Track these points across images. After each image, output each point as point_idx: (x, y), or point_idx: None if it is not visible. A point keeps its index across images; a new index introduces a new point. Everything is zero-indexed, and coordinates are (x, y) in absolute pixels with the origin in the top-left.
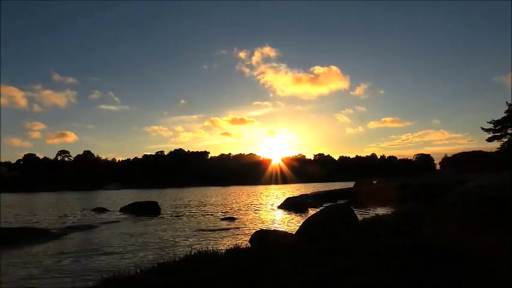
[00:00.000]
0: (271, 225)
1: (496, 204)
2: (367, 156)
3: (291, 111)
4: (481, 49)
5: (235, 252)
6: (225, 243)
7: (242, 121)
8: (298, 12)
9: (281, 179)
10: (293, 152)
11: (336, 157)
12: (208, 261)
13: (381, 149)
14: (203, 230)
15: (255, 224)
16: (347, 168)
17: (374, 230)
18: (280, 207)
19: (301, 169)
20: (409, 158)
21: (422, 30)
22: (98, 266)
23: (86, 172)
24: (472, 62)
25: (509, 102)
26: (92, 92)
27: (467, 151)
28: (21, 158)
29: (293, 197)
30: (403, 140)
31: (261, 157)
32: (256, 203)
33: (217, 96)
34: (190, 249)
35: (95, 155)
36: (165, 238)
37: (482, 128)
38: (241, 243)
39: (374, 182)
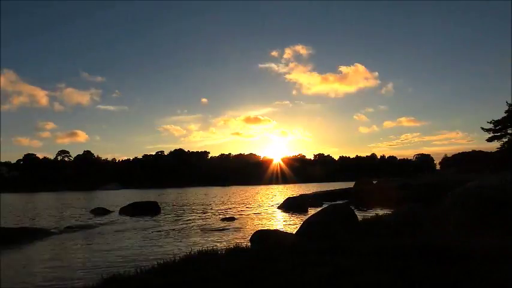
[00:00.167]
0: (271, 225)
1: (496, 205)
2: (367, 156)
3: (309, 110)
4: (481, 49)
5: (235, 252)
6: (225, 243)
7: (256, 120)
8: (326, 11)
9: (281, 179)
10: (303, 152)
11: (336, 157)
12: (208, 261)
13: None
14: (203, 230)
15: (255, 224)
16: (347, 168)
17: (374, 230)
18: (280, 207)
19: (301, 169)
20: (409, 158)
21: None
22: (98, 266)
23: (86, 172)
24: (472, 62)
25: (509, 102)
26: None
27: (467, 151)
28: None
29: (293, 197)
30: (402, 140)
31: (261, 157)
32: (256, 203)
33: (237, 95)
34: (190, 249)
35: (95, 155)
36: (165, 238)
37: (482, 128)
38: (241, 243)
39: (374, 182)
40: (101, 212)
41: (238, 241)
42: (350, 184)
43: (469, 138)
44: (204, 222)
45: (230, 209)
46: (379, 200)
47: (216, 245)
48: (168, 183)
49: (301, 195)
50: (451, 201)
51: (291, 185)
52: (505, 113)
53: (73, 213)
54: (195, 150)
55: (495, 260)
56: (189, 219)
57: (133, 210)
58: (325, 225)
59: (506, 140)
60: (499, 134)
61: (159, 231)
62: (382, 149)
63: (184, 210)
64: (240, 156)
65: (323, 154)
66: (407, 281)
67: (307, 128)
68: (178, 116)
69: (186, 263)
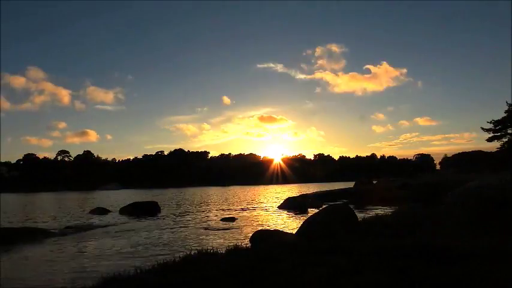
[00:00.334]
0: (271, 225)
1: (496, 205)
2: (366, 156)
3: (326, 109)
4: (481, 49)
5: (235, 252)
6: (225, 243)
7: (271, 119)
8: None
9: (281, 179)
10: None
11: (336, 157)
12: (208, 261)
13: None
14: (203, 230)
15: (255, 224)
16: (347, 168)
17: (374, 230)
18: (280, 207)
19: (301, 169)
20: (409, 158)
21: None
22: (98, 266)
23: (85, 172)
24: (472, 62)
25: (509, 102)
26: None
27: (467, 151)
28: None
29: (293, 197)
30: (401, 140)
31: (261, 157)
32: (256, 203)
33: (254, 95)
34: (190, 249)
35: (95, 155)
36: (165, 238)
37: (482, 128)
38: (241, 243)
39: (374, 182)
40: (101, 212)
41: (238, 241)
42: (350, 184)
43: (469, 138)
44: (204, 222)
45: (230, 209)
46: (379, 200)
47: (216, 245)
48: (168, 183)
49: (301, 195)
50: (451, 201)
51: (291, 185)
52: (505, 113)
53: (73, 213)
54: (195, 150)
55: (495, 260)
56: (189, 219)
57: (133, 210)
58: (325, 225)
59: (506, 140)
60: (499, 134)
61: (159, 231)
62: (383, 149)
63: (184, 210)
64: (240, 156)
65: (323, 154)
66: (407, 281)
67: (321, 128)
68: (179, 116)
69: (186, 263)
